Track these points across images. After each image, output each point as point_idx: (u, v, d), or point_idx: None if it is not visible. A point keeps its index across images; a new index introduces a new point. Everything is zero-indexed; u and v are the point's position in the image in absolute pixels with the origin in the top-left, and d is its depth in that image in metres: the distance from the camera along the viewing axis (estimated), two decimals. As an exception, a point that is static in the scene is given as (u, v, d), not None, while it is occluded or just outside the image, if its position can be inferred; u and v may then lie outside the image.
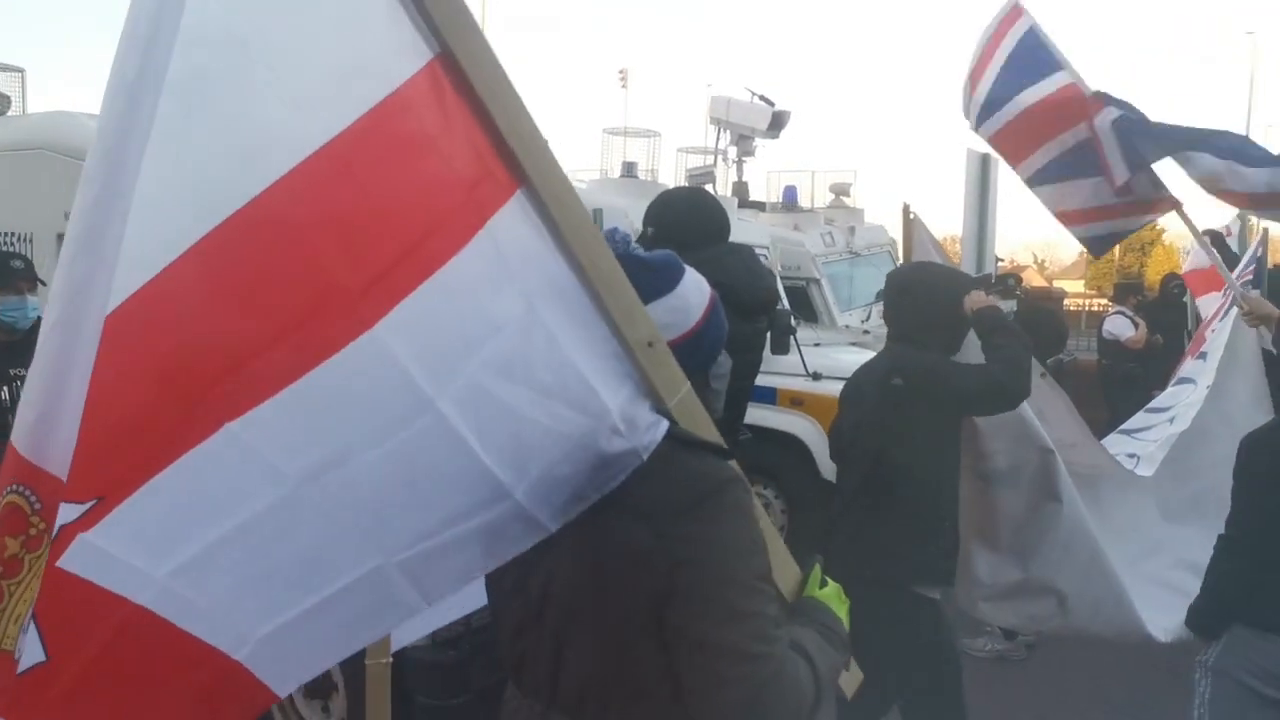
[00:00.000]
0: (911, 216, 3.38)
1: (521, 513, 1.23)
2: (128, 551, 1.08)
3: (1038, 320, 6.51)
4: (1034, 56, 3.80)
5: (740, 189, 8.19)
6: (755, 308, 2.63)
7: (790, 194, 8.47)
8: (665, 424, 1.32)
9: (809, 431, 5.41)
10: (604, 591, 1.31)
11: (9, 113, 5.33)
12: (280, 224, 1.06)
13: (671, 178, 7.30)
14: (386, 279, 1.10)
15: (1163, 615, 3.47)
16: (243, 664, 1.16)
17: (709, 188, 7.45)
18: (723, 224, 2.65)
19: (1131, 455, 4.00)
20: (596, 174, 7.01)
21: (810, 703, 1.33)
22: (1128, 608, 3.35)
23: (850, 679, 1.63)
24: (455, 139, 1.14)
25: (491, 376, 1.17)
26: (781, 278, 7.01)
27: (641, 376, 1.29)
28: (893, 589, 2.72)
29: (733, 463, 1.35)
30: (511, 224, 1.17)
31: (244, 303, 1.07)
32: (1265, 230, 6.46)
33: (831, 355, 5.89)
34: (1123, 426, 4.51)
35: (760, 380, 5.66)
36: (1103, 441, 3.95)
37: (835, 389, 5.46)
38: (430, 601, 1.24)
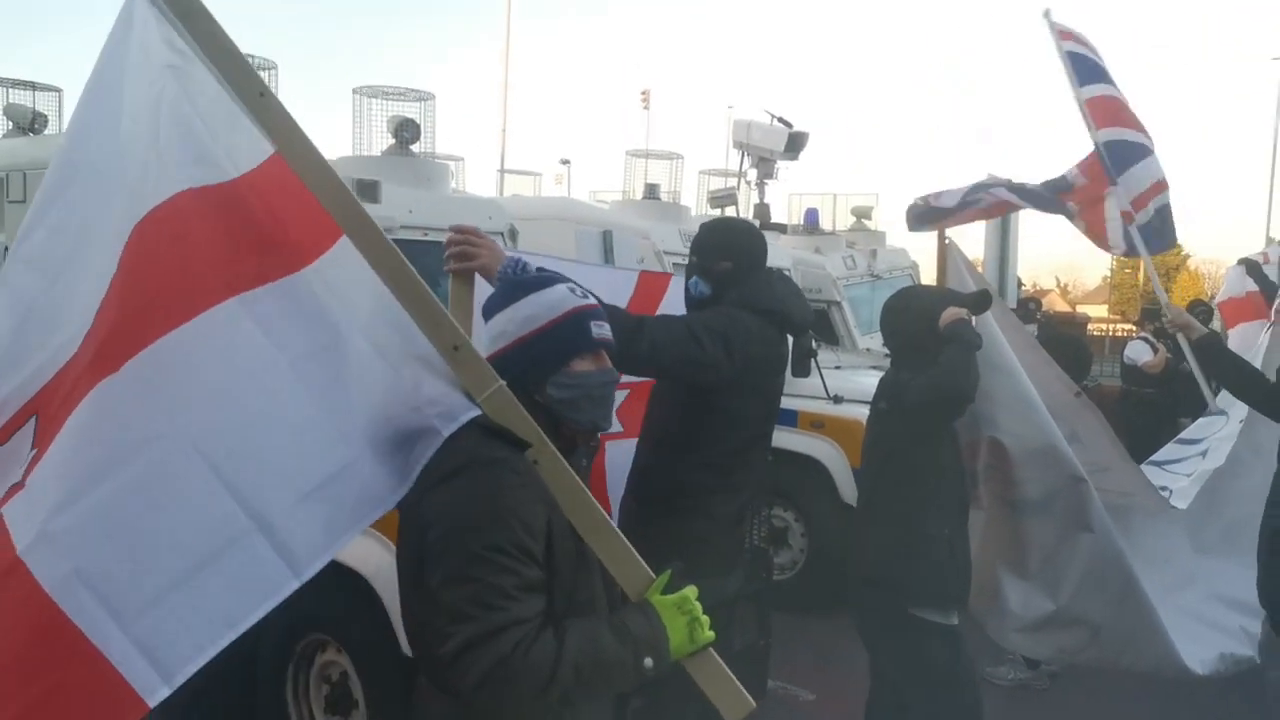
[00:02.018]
0: (947, 241, 3.42)
1: (370, 474, 1.53)
2: None
3: (1061, 345, 6.46)
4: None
5: (762, 211, 8.21)
6: (803, 328, 2.73)
7: (812, 216, 8.48)
8: (472, 412, 1.58)
9: (829, 454, 5.39)
10: (399, 547, 1.62)
11: (46, 131, 5.45)
12: (150, 240, 1.52)
13: (693, 200, 7.34)
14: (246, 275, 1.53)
15: (1198, 647, 3.44)
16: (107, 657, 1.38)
17: (731, 210, 7.48)
18: (764, 253, 2.73)
19: (1164, 488, 3.96)
20: (619, 195, 7.05)
21: (544, 678, 1.45)
22: (1163, 640, 3.32)
23: (730, 702, 1.63)
24: (290, 201, 1.58)
25: (333, 364, 1.54)
26: (803, 300, 7.03)
27: (455, 374, 1.59)
28: (896, 613, 2.80)
29: (537, 452, 1.54)
30: (339, 261, 1.58)
31: (125, 294, 1.50)
32: None
33: (852, 378, 5.87)
34: (1154, 458, 4.48)
35: (781, 403, 5.68)
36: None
37: (856, 412, 5.52)
38: (300, 574, 1.48)
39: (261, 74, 4.16)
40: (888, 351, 6.96)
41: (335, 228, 1.60)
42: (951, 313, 2.84)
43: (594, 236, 5.39)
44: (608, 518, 1.57)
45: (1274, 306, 7.47)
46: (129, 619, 1.38)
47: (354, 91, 4.62)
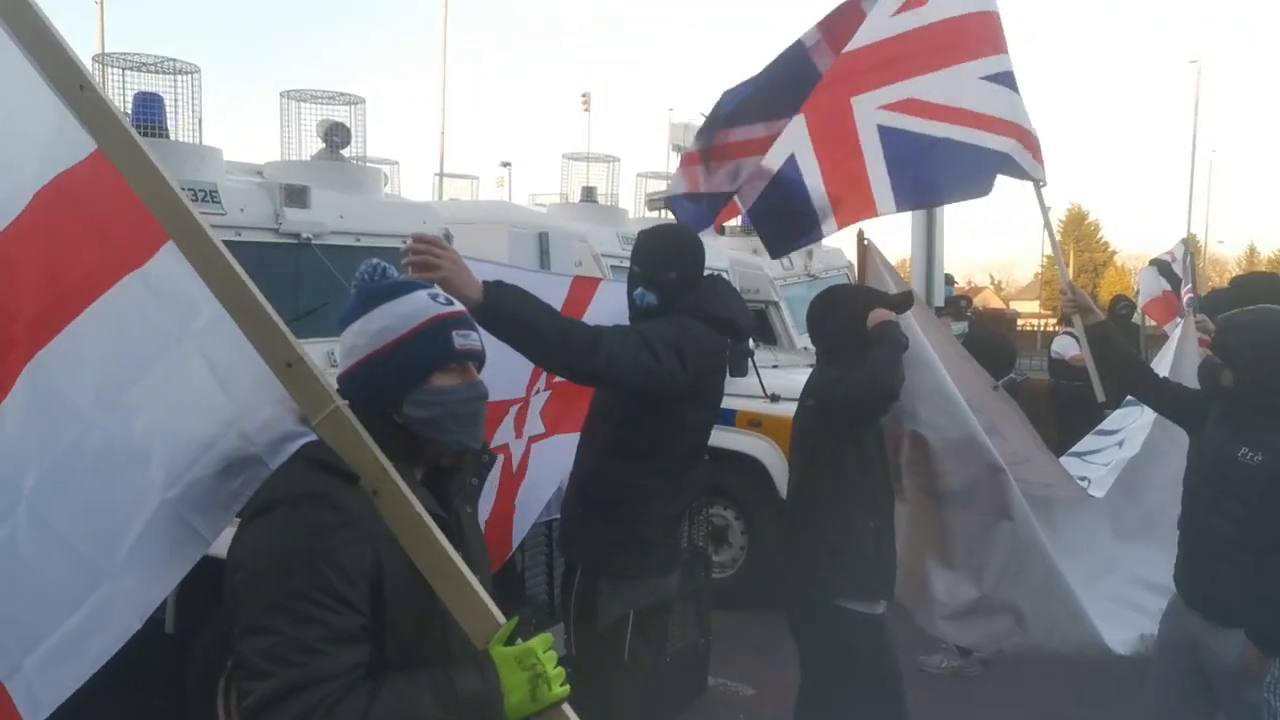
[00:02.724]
0: (865, 243, 3.46)
1: (178, 516, 1.43)
2: None
3: (988, 342, 6.64)
4: None
5: (700, 213, 8.25)
6: (749, 333, 2.81)
7: (749, 218, 8.55)
8: (302, 439, 1.43)
9: (768, 453, 5.46)
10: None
11: None
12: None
13: (631, 202, 7.36)
14: (50, 312, 1.43)
15: (1120, 630, 3.55)
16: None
17: (669, 213, 7.52)
18: (703, 257, 2.75)
19: (1083, 478, 4.08)
20: (556, 198, 7.05)
21: None
22: (1085, 624, 3.42)
23: None
24: (113, 202, 1.44)
25: (148, 390, 1.43)
26: (741, 300, 7.11)
27: (289, 395, 1.44)
28: (821, 605, 2.87)
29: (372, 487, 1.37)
30: (165, 268, 1.44)
31: None
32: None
33: (789, 377, 5.95)
34: (1073, 449, 4.61)
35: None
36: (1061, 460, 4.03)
37: (793, 410, 5.59)
38: (141, 615, 1.44)
39: (184, 77, 4.12)
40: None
41: (159, 231, 1.44)
42: (879, 314, 2.91)
43: (529, 239, 5.39)
44: (454, 557, 1.40)
45: (1183, 300, 7.81)
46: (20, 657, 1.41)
47: (282, 95, 4.55)
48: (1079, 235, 44.49)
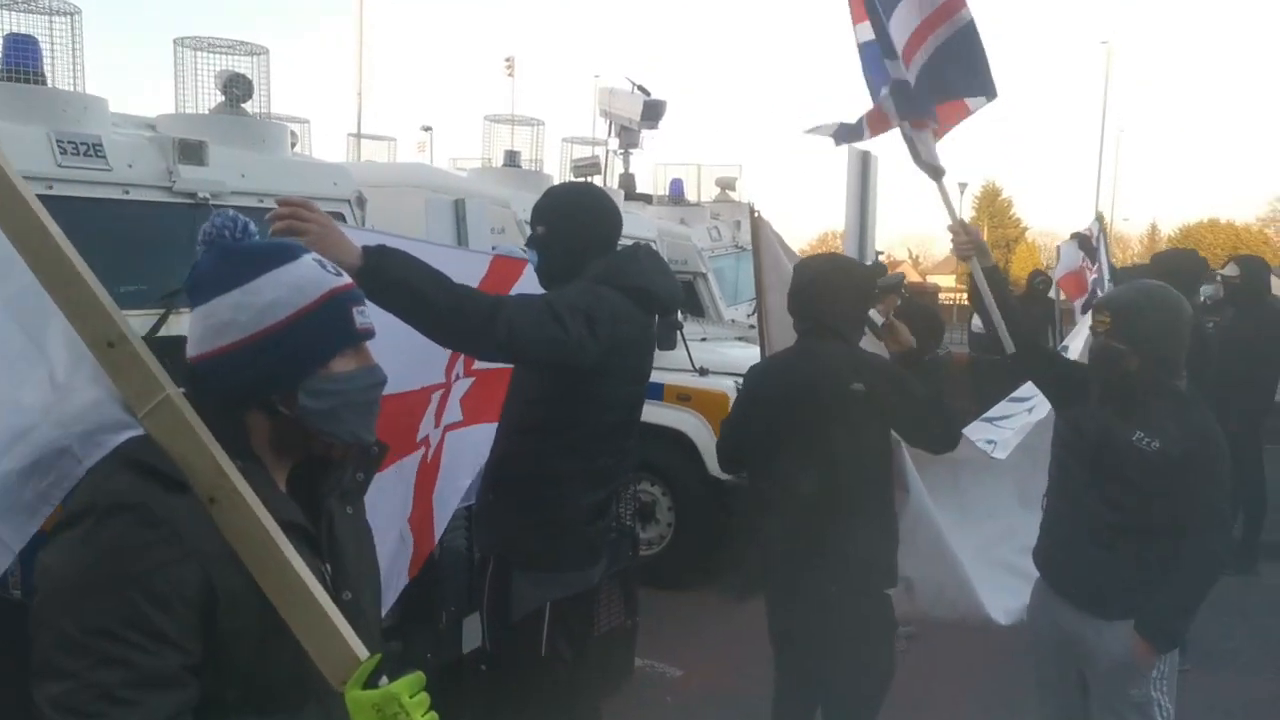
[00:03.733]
0: (756, 215, 3.35)
1: None
2: None
3: (917, 315, 6.64)
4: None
5: (627, 181, 8.09)
6: (672, 308, 2.52)
7: (677, 187, 8.42)
8: (126, 433, 1.22)
9: (696, 428, 5.36)
10: None
11: None
12: None
13: (556, 167, 7.12)
14: None
15: (1005, 598, 3.57)
16: None
17: (596, 179, 7.32)
18: (619, 222, 2.52)
19: (990, 441, 4.10)
20: (478, 162, 6.77)
21: None
22: (969, 592, 3.43)
23: None
24: None
25: None
26: (668, 271, 6.96)
27: (111, 381, 1.23)
28: (875, 593, 2.76)
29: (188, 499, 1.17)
30: None
31: None
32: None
33: (718, 350, 5.86)
34: (986, 414, 4.63)
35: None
36: (967, 429, 4.03)
37: (722, 384, 5.50)
38: None
39: (62, 18, 3.73)
40: (754, 323, 6.97)
41: None
42: (891, 302, 2.94)
43: (446, 205, 5.13)
44: (306, 579, 1.20)
45: (1089, 279, 7.99)
46: None
47: (176, 42, 4.18)
48: (992, 212, 45.68)
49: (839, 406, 2.69)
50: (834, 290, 2.80)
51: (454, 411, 2.77)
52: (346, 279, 1.37)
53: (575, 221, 2.45)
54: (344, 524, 1.42)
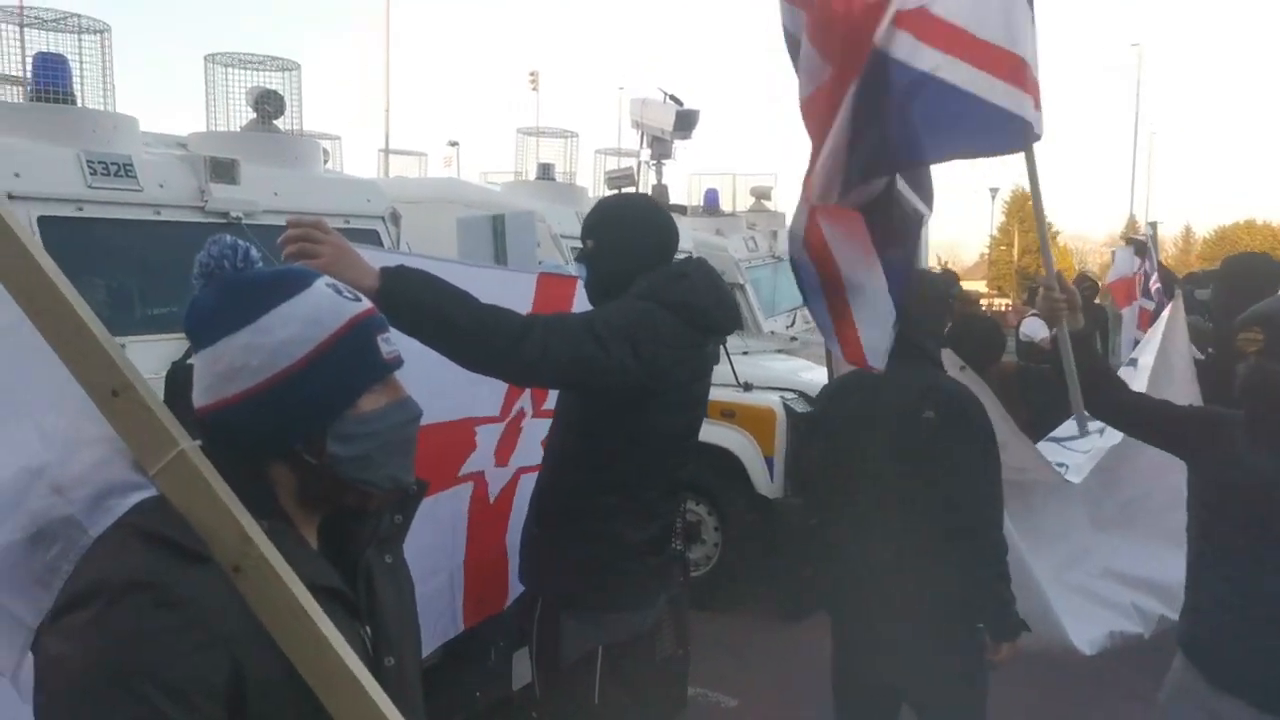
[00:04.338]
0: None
1: None
2: None
3: (975, 327, 6.26)
4: None
5: (660, 192, 7.93)
6: (726, 327, 2.32)
7: (712, 197, 8.27)
8: (136, 495, 1.07)
9: (742, 445, 5.18)
10: None
11: None
12: None
13: (590, 180, 7.00)
14: None
15: (1088, 627, 3.40)
16: None
17: (630, 190, 7.18)
18: (672, 234, 2.33)
19: (1061, 464, 3.91)
20: (509, 176, 6.66)
21: None
22: (1052, 621, 3.25)
23: None
24: None
25: None
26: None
27: (118, 435, 1.07)
28: (969, 635, 2.53)
29: (206, 572, 1.02)
30: None
31: None
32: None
33: (761, 364, 5.69)
34: (1052, 434, 4.44)
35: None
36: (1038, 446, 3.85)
37: (768, 399, 5.33)
38: None
39: (91, 36, 3.65)
40: (794, 335, 6.74)
41: None
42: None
43: (482, 223, 5.00)
44: (343, 655, 1.05)
45: (1151, 288, 7.70)
46: None
47: (206, 59, 4.10)
48: (1022, 216, 45.11)
49: (913, 438, 2.50)
50: (919, 303, 2.60)
51: (530, 453, 2.59)
52: (367, 304, 1.20)
53: (623, 234, 2.28)
54: (384, 577, 1.26)
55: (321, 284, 1.17)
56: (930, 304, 2.64)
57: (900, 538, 2.49)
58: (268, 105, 4.10)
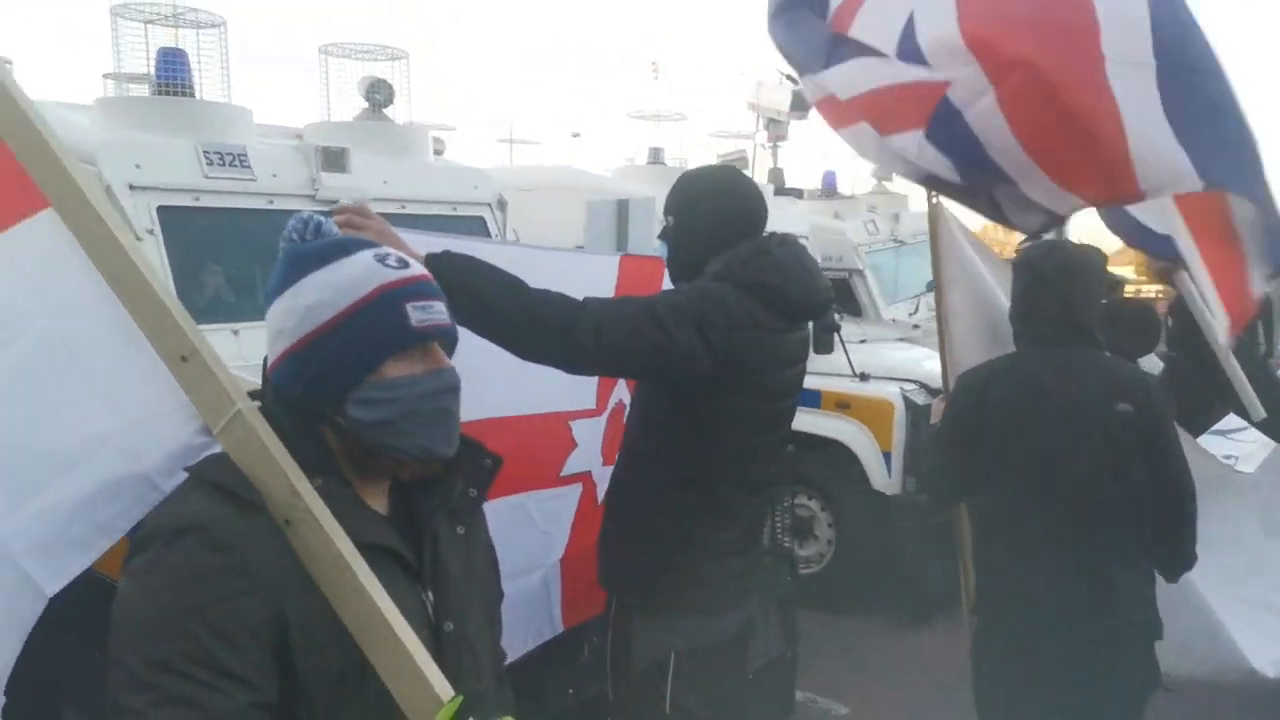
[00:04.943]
0: (935, 201, 2.82)
1: (7, 559, 1.16)
2: None
3: (1127, 312, 5.60)
4: None
5: (776, 175, 7.72)
6: (809, 312, 2.12)
7: (830, 179, 7.97)
8: (205, 453, 1.18)
9: (857, 438, 4.94)
10: None
11: None
12: None
13: (702, 163, 6.86)
14: None
15: (1268, 646, 3.03)
16: None
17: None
18: (759, 211, 2.14)
19: (1229, 456, 3.53)
20: (623, 161, 6.59)
21: None
22: (1224, 642, 2.94)
23: None
24: None
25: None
26: (823, 269, 6.55)
27: (187, 396, 1.19)
28: (1147, 653, 2.33)
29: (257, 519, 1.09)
30: (33, 240, 1.21)
31: None
32: None
33: (880, 353, 5.41)
34: (1215, 427, 4.04)
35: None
36: (1201, 441, 3.49)
37: (885, 391, 5.06)
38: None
39: (211, 31, 3.76)
40: (916, 323, 6.39)
41: (39, 196, 1.22)
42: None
43: (608, 207, 4.93)
44: (384, 609, 1.09)
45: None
46: None
47: (320, 50, 4.17)
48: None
49: (1099, 432, 2.26)
50: (1086, 284, 2.35)
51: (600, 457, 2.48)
52: (406, 271, 1.20)
53: (702, 209, 2.11)
54: (452, 547, 1.28)
55: (366, 254, 1.20)
56: (1097, 284, 2.39)
57: (1086, 544, 2.26)
58: (378, 94, 4.14)
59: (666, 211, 2.18)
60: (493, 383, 1.96)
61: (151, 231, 3.16)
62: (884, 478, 4.83)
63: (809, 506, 5.14)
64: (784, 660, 3.66)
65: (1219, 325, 2.24)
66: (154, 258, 3.12)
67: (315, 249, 1.20)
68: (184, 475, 1.16)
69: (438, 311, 1.20)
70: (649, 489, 2.05)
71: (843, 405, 4.99)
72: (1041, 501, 2.31)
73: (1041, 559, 2.30)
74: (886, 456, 4.85)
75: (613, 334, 1.79)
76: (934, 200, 2.77)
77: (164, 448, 1.20)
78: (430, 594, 1.22)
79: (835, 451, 4.97)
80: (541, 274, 1.90)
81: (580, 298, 1.82)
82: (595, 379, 2.33)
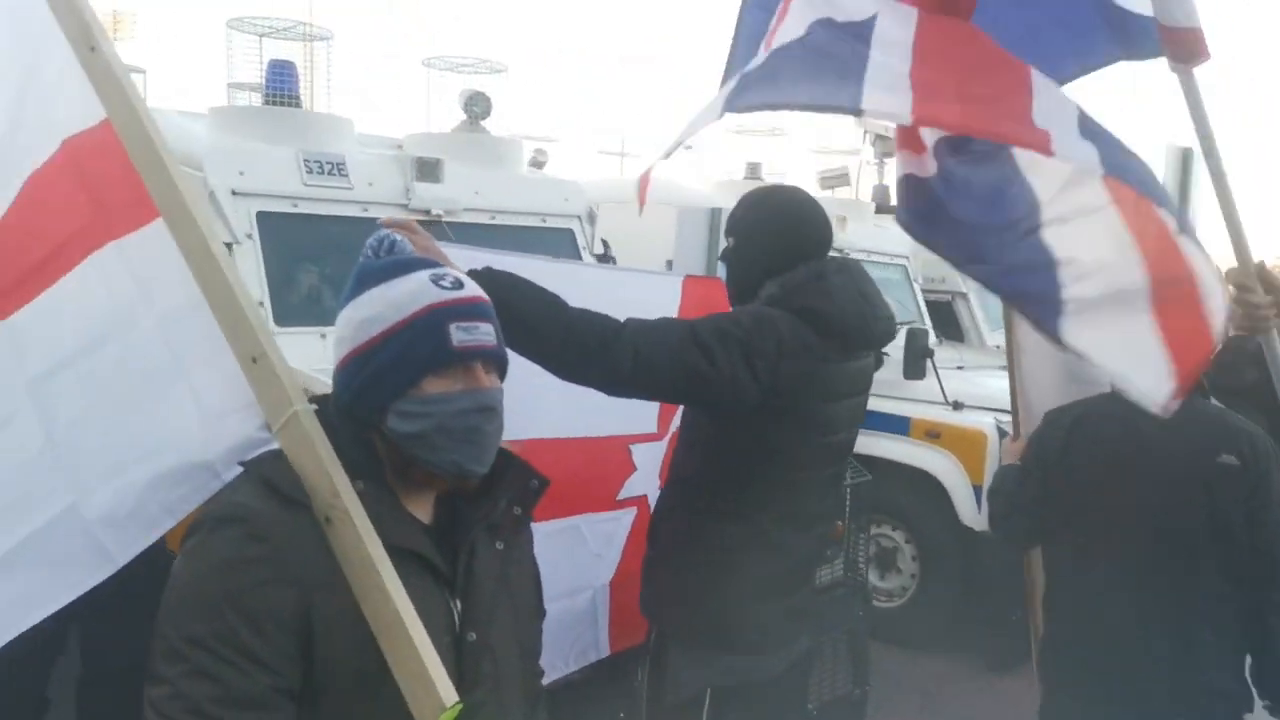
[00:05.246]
0: None
1: (84, 527, 1.31)
2: None
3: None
4: None
5: (880, 192, 7.51)
6: (867, 342, 2.03)
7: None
8: (261, 447, 1.29)
9: (947, 469, 4.74)
10: None
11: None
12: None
13: (802, 180, 6.74)
14: (28, 279, 1.39)
15: None
16: None
17: (844, 191, 6.85)
18: (821, 233, 2.07)
19: None
20: (722, 176, 6.54)
21: None
22: None
23: None
24: (112, 172, 1.38)
25: (89, 375, 1.35)
26: (923, 290, 6.33)
27: (254, 394, 1.30)
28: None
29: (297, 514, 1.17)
30: (144, 246, 1.36)
31: None
32: None
33: (976, 381, 5.17)
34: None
35: (892, 408, 5.05)
36: None
37: (980, 421, 4.83)
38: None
39: (320, 44, 3.91)
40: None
41: (152, 206, 1.36)
42: None
43: (700, 216, 4.89)
44: (403, 612, 1.14)
45: None
46: None
47: (424, 64, 4.29)
48: None
49: (1199, 483, 2.11)
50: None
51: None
52: (458, 293, 1.26)
53: (760, 230, 2.04)
54: (487, 560, 1.32)
55: (423, 274, 1.26)
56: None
57: (1173, 603, 2.12)
58: (475, 107, 4.22)
59: (727, 232, 2.13)
60: (551, 403, 1.96)
61: (250, 236, 3.30)
62: (973, 513, 4.62)
63: (892, 538, 4.96)
64: (852, 699, 3.53)
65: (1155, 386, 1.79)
66: (251, 261, 3.26)
67: (380, 265, 1.29)
68: (238, 468, 1.25)
69: (483, 333, 1.25)
70: (690, 518, 2.01)
71: (932, 434, 4.80)
72: (1126, 552, 2.16)
73: (1121, 612, 2.15)
74: (977, 490, 4.63)
75: (651, 356, 1.75)
76: None
77: (229, 441, 1.32)
78: (459, 603, 1.27)
79: (922, 482, 4.78)
80: (602, 294, 1.88)
81: (624, 318, 1.79)
82: (653, 405, 2.30)
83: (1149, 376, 1.67)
